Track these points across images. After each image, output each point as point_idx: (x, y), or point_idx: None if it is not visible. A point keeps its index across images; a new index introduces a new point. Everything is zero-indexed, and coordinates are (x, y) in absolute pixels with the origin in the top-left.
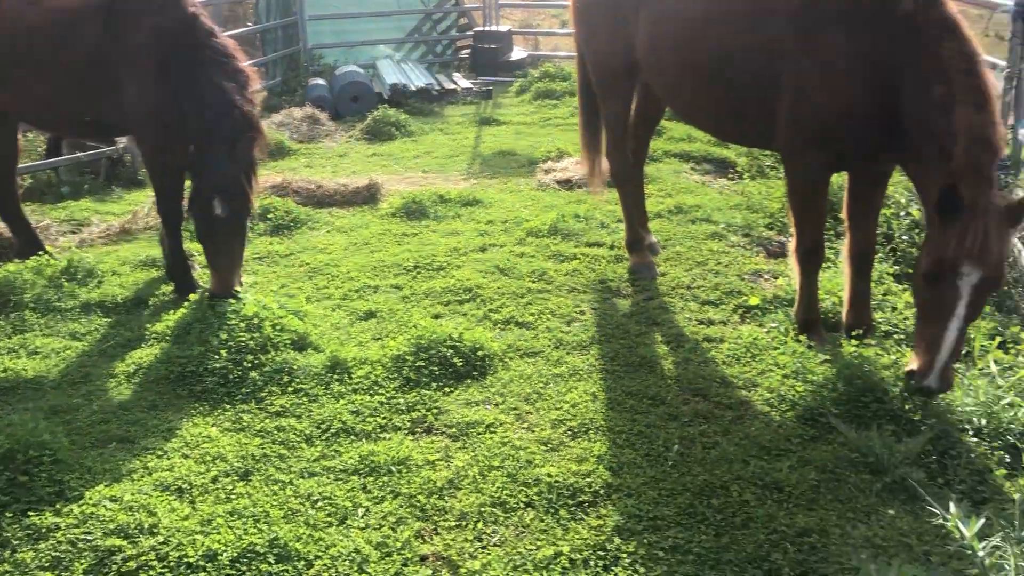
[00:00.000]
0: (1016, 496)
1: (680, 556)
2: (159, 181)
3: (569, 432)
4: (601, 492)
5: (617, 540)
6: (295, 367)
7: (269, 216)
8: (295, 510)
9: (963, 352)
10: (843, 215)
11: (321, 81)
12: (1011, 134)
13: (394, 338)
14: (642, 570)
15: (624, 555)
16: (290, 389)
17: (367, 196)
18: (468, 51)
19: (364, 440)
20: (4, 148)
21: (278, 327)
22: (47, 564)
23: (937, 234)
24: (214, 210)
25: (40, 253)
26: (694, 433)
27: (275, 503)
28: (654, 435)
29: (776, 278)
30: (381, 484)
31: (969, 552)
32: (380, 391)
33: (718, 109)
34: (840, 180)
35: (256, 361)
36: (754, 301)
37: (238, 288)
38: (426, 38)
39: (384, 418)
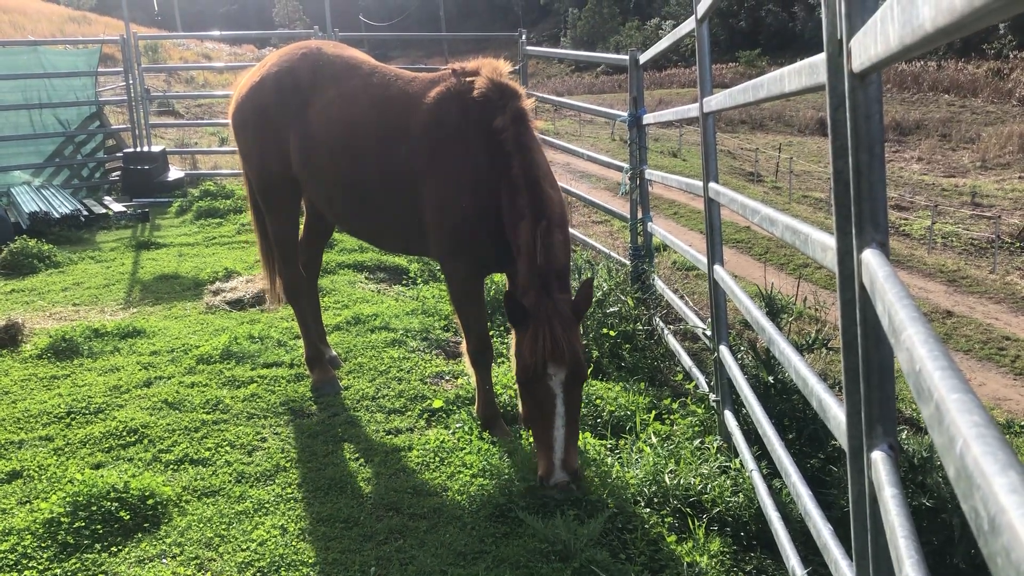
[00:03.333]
0: (687, 560)
1: None
2: None
3: (259, 574)
4: None
5: None
6: None
7: None
8: None
9: (578, 436)
10: None
11: None
12: (641, 227)
13: (46, 499)
14: None
15: None
16: None
17: (6, 339)
18: (119, 173)
19: None
20: None
21: None
22: None
23: (517, 342)
24: None
25: None
26: (390, 551)
27: None
28: (349, 560)
29: (456, 378)
30: None
31: None
32: (30, 564)
33: (372, 222)
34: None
35: None
36: (438, 404)
37: None
38: (69, 161)
39: None
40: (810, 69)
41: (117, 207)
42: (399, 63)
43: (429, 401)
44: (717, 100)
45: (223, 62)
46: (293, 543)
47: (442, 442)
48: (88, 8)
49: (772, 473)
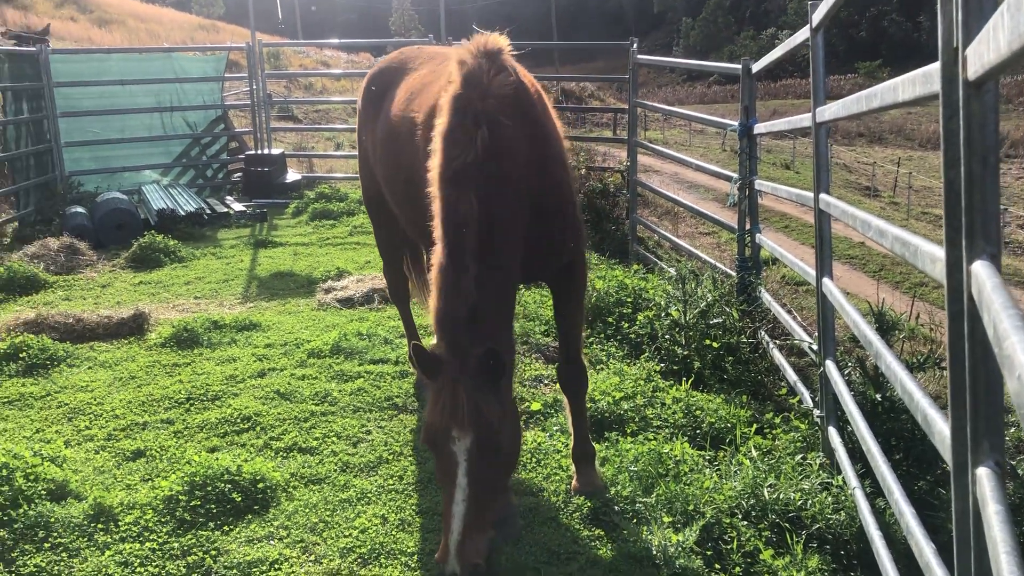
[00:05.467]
0: (783, 575)
1: None
2: None
3: (359, 560)
4: None
5: None
6: (52, 520)
7: (21, 356)
8: None
9: (492, 519)
10: None
11: (81, 209)
12: (749, 238)
13: (166, 477)
14: None
15: None
16: (46, 545)
17: (133, 327)
18: (241, 174)
19: None
20: None
21: (31, 477)
22: None
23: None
24: None
25: None
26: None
27: None
28: None
29: (555, 382)
30: None
31: None
32: (151, 537)
33: (417, 228)
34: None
35: (5, 517)
36: (536, 407)
37: None
38: (195, 162)
39: (156, 566)
40: (924, 78)
41: (238, 207)
42: None
43: (527, 403)
44: (830, 110)
45: (340, 69)
46: (393, 532)
47: (539, 444)
48: (217, 17)
49: (875, 493)
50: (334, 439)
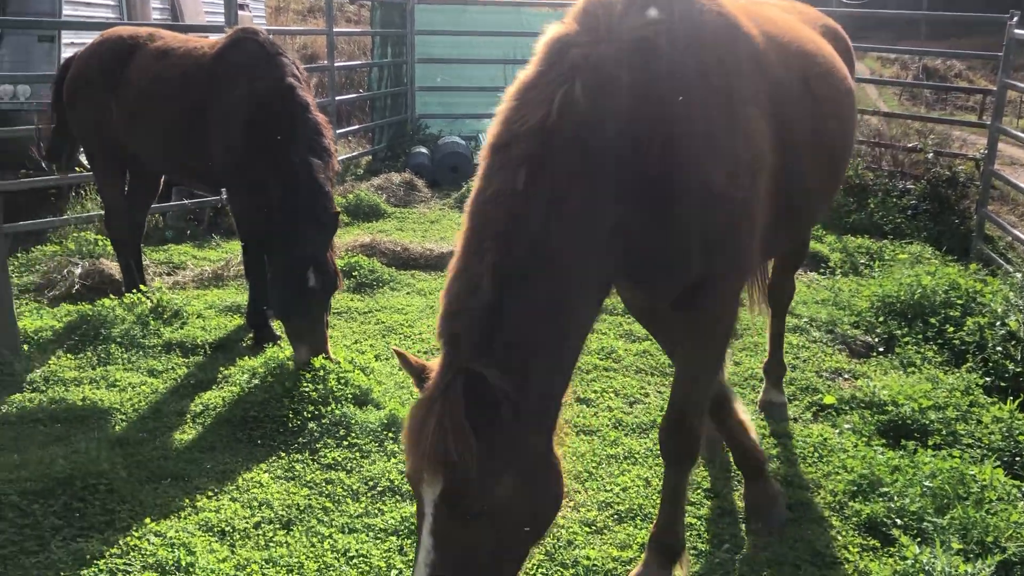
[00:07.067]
0: None
1: None
2: (245, 233)
3: (616, 516)
4: None
5: None
6: (353, 422)
7: (354, 274)
8: (329, 564)
9: None
10: None
11: (423, 149)
12: None
13: None
14: None
15: None
16: (345, 443)
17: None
18: None
19: (408, 501)
20: (146, 187)
21: (343, 380)
22: None
23: None
24: (308, 282)
25: (135, 291)
26: (746, 531)
27: (311, 555)
28: (703, 528)
29: (856, 379)
30: None
31: None
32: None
33: None
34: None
35: (316, 412)
36: (829, 400)
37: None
38: None
39: None
40: None
41: None
42: (869, 43)
43: (820, 395)
44: None
45: None
46: (653, 497)
47: (825, 439)
48: None
49: None
50: (612, 395)
